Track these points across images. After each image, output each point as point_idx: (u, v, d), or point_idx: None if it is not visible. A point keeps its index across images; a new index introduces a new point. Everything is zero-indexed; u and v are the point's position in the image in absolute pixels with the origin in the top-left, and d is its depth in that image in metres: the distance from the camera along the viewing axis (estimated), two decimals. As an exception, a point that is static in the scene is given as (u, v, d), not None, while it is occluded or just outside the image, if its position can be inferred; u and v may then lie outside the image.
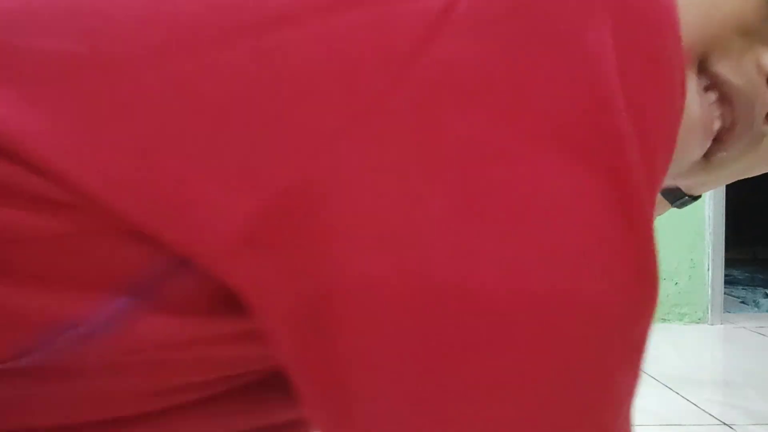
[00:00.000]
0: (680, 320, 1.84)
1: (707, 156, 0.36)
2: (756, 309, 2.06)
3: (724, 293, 1.86)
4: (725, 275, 1.86)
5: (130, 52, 0.25)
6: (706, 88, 0.33)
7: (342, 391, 0.23)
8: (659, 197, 0.82)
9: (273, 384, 0.30)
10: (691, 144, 0.34)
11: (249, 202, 0.22)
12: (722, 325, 1.81)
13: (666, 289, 1.84)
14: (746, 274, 2.66)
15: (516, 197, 0.22)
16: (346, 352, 0.23)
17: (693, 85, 0.33)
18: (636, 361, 0.25)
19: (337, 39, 0.24)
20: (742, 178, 0.42)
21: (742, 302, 2.14)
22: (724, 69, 0.33)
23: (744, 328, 1.78)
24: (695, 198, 0.75)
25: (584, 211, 0.23)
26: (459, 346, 0.22)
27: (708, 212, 1.82)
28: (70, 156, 0.24)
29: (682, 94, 0.28)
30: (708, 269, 1.83)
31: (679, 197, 0.85)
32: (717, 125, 0.34)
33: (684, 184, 0.43)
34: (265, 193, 0.22)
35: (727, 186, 1.81)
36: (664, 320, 1.84)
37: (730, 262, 1.94)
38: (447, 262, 0.22)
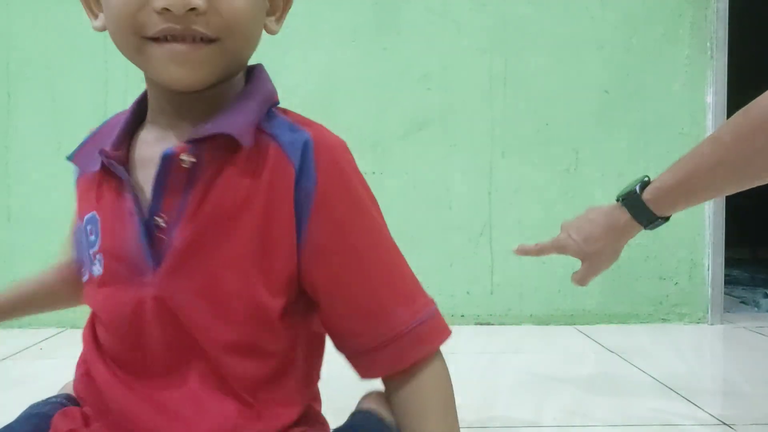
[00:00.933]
0: (680, 320, 1.84)
1: None
2: (756, 309, 2.06)
3: (724, 293, 1.86)
4: (725, 275, 1.85)
5: None
6: None
7: None
8: (631, 221, 0.90)
9: None
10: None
11: None
12: (722, 325, 1.81)
13: (666, 289, 1.83)
14: (746, 274, 2.66)
15: None
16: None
17: None
18: None
19: None
20: None
21: (742, 302, 2.14)
22: None
23: (744, 328, 1.78)
24: (666, 219, 0.84)
25: None
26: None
27: (708, 212, 1.82)
28: None
29: None
30: (708, 269, 1.83)
31: (651, 220, 0.89)
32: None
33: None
34: None
35: (727, 186, 1.81)
36: (664, 320, 1.83)
37: (730, 262, 1.93)
38: None
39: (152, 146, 0.57)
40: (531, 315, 1.81)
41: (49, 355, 1.51)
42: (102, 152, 0.55)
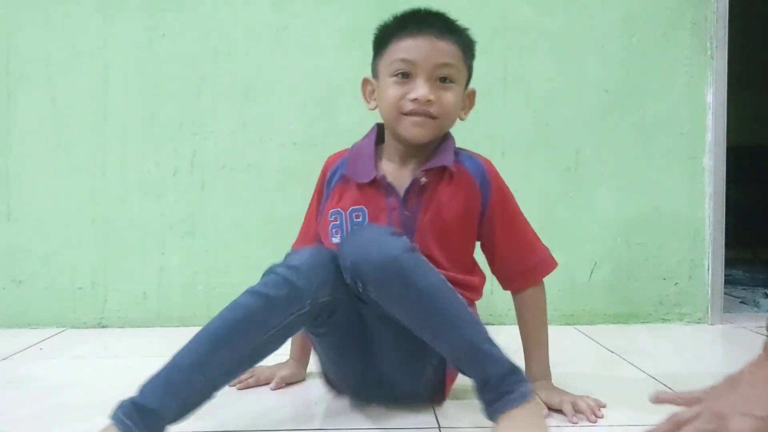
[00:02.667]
0: (680, 320, 1.84)
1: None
2: (756, 309, 2.06)
3: (724, 293, 1.86)
4: (725, 275, 1.85)
5: None
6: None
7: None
8: None
9: None
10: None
11: None
12: (722, 325, 1.81)
13: (666, 289, 1.83)
14: (746, 274, 2.66)
15: None
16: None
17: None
18: None
19: None
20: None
21: (742, 302, 2.14)
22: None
23: (744, 328, 1.78)
24: None
25: None
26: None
27: (708, 212, 1.82)
28: None
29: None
30: (708, 269, 1.83)
31: None
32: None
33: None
34: None
35: (727, 186, 1.81)
36: (664, 320, 1.84)
37: (730, 262, 1.93)
38: None
39: (395, 173, 1.09)
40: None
41: (49, 355, 1.51)
42: (382, 177, 1.06)
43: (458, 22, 1.10)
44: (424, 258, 0.93)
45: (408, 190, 1.05)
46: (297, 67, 1.81)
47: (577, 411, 1.02)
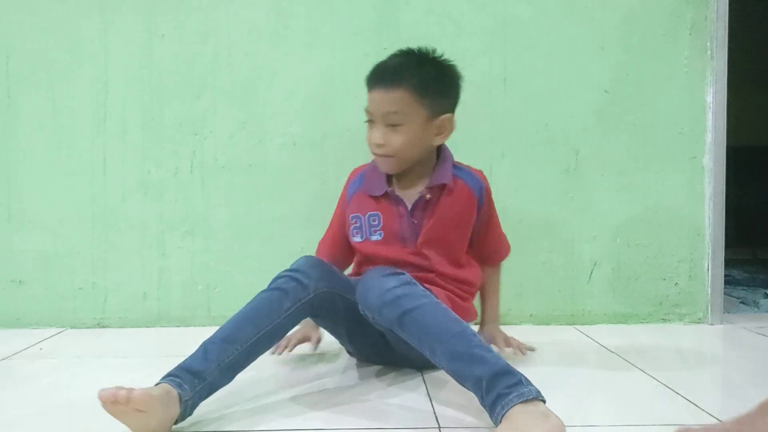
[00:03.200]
0: (680, 320, 1.84)
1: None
2: (756, 309, 2.06)
3: (724, 293, 1.86)
4: (725, 275, 1.85)
5: None
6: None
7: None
8: None
9: None
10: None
11: None
12: (722, 325, 1.81)
13: (666, 289, 1.83)
14: (746, 274, 2.66)
15: None
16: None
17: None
18: None
19: None
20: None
21: (742, 302, 2.14)
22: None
23: (744, 328, 1.78)
24: None
25: None
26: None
27: (708, 212, 1.82)
28: None
29: None
30: (708, 269, 1.83)
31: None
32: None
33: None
34: None
35: (727, 186, 1.81)
36: (664, 320, 1.83)
37: (730, 262, 1.93)
38: None
39: (404, 187, 1.35)
40: (531, 315, 1.81)
41: (49, 355, 1.51)
42: (392, 191, 1.34)
43: (415, 63, 1.30)
44: (418, 288, 1.11)
45: (415, 204, 1.32)
46: (297, 67, 1.81)
47: (492, 344, 1.37)
